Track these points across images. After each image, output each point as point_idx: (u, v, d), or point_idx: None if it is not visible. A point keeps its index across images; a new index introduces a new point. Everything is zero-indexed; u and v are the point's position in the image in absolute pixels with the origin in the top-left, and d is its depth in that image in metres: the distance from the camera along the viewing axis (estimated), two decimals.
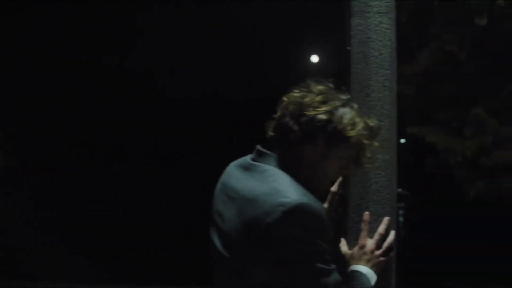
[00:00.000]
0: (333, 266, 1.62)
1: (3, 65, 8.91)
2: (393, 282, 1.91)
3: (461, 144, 6.99)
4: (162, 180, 9.97)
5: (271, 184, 1.62)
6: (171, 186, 9.70)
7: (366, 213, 1.89)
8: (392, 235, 1.87)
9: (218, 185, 1.82)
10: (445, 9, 6.79)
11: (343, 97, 1.74)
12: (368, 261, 1.80)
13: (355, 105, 1.76)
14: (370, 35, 1.95)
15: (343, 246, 1.90)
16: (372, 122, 1.75)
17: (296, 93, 1.72)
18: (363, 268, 1.77)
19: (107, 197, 9.88)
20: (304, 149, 1.70)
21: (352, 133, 1.68)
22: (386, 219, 1.88)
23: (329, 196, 2.02)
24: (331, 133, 1.67)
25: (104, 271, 7.36)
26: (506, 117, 6.98)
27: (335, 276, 1.61)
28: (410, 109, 7.51)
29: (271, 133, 1.75)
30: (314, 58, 12.76)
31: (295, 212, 1.56)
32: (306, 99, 1.69)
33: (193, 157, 10.01)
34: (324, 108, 1.67)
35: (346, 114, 1.69)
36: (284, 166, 1.69)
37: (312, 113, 1.67)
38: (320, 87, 1.73)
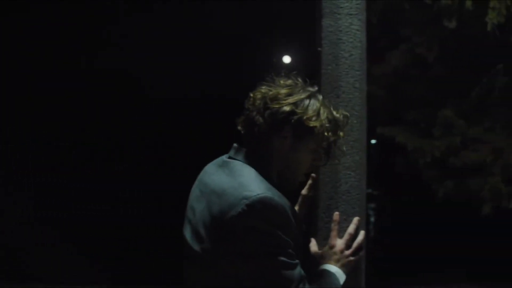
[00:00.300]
0: (296, 260, 1.63)
1: (3, 65, 8.92)
2: (363, 282, 1.92)
3: (430, 145, 7.01)
4: (162, 180, 9.96)
5: (238, 178, 1.65)
6: (171, 186, 9.66)
7: (336, 213, 1.90)
8: (361, 235, 1.88)
9: (195, 182, 1.85)
10: (415, 11, 6.80)
11: (310, 89, 1.75)
12: (338, 260, 1.81)
13: (321, 96, 1.77)
14: (340, 37, 1.97)
15: (313, 246, 1.90)
16: (338, 113, 1.76)
17: (262, 89, 1.74)
18: (332, 268, 1.78)
19: (107, 197, 9.87)
20: (272, 142, 1.72)
21: (316, 123, 1.69)
22: (356, 219, 1.89)
23: (300, 199, 2.03)
24: (296, 124, 1.69)
25: (104, 271, 7.35)
26: (474, 118, 7.02)
27: (299, 270, 1.63)
28: (380, 110, 7.53)
29: (240, 129, 1.77)
30: (286, 59, 12.70)
31: (258, 205, 1.57)
32: (271, 93, 1.71)
33: (193, 157, 9.98)
34: (288, 101, 1.69)
35: (311, 105, 1.71)
36: (253, 160, 1.71)
37: (276, 106, 1.69)
38: (287, 81, 1.75)
